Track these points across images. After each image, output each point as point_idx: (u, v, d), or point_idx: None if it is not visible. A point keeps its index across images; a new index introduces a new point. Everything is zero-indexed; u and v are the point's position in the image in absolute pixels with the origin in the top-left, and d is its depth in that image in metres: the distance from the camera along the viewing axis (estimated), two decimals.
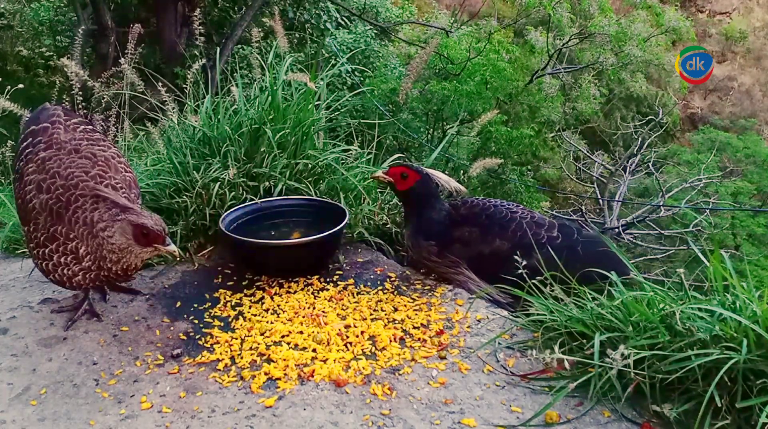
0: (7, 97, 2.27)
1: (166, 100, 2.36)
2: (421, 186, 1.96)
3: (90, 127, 1.78)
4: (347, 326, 1.69)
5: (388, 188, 2.45)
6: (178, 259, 1.61)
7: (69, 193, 1.55)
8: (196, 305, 1.83)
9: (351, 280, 1.97)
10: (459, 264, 1.89)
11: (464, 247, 1.90)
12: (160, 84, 2.41)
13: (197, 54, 2.83)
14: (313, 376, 1.49)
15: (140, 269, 1.65)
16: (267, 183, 2.22)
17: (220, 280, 1.99)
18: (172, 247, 1.53)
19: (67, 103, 2.68)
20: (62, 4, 9.60)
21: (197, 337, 1.67)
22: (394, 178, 1.98)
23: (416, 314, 1.76)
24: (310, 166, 2.35)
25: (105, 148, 1.70)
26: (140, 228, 1.49)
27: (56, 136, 1.68)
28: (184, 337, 1.67)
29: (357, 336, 1.64)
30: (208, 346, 1.63)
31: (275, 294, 1.88)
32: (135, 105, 2.78)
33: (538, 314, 1.61)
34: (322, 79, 2.58)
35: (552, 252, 1.71)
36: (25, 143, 1.71)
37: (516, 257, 1.66)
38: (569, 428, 1.33)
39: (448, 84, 7.27)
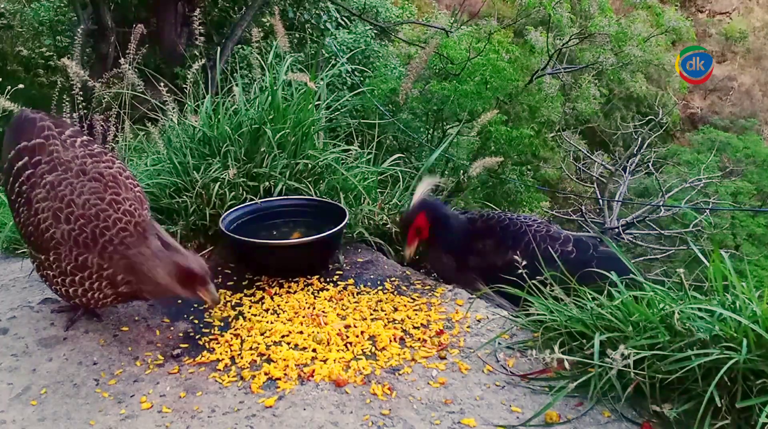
0: (8, 97, 2.26)
1: (166, 100, 2.36)
2: (432, 214, 1.91)
3: (85, 138, 1.73)
4: (347, 326, 1.69)
5: (389, 189, 2.46)
6: (219, 303, 1.65)
7: (92, 225, 1.54)
8: (196, 305, 1.83)
9: (351, 280, 1.97)
10: (475, 280, 1.89)
11: (479, 258, 1.90)
12: (160, 84, 2.40)
13: (197, 54, 2.82)
14: (313, 376, 1.49)
15: None
16: (267, 183, 2.22)
17: (220, 280, 1.99)
18: (216, 296, 1.55)
19: (67, 103, 2.69)
20: (62, 4, 9.59)
21: (197, 337, 1.67)
22: (419, 237, 1.92)
23: (416, 314, 1.76)
24: (310, 166, 2.35)
25: (110, 164, 1.67)
26: (185, 271, 1.52)
27: (57, 155, 1.63)
28: (184, 337, 1.67)
29: (357, 336, 1.64)
30: (208, 346, 1.63)
31: (275, 294, 1.88)
32: (135, 105, 2.78)
33: (538, 314, 1.61)
34: (322, 79, 2.58)
35: (564, 266, 1.66)
36: (20, 162, 1.64)
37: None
38: (569, 428, 1.33)
39: (448, 84, 7.27)
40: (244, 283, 1.96)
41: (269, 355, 1.57)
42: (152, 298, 1.65)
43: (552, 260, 1.73)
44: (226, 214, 2.08)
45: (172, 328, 1.72)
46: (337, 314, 1.75)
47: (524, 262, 1.64)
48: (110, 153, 1.75)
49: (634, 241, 9.47)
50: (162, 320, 1.75)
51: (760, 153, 10.60)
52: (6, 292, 1.92)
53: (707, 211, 9.24)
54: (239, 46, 7.76)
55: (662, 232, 9.45)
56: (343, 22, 9.25)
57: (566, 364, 1.41)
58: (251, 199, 2.18)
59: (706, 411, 1.22)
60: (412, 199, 1.94)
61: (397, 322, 1.73)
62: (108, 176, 1.63)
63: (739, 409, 1.24)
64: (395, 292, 1.90)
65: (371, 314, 1.76)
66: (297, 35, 8.26)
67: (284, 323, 1.71)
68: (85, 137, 1.74)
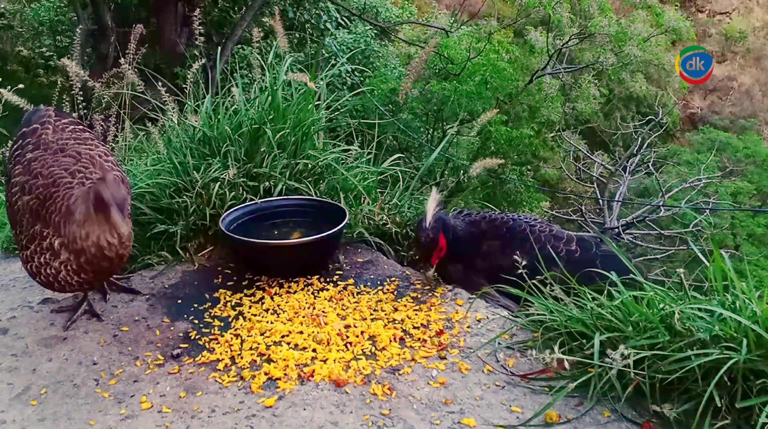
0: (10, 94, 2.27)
1: (166, 100, 2.36)
2: (447, 231, 1.87)
3: (80, 126, 1.75)
4: (347, 326, 1.69)
5: (389, 189, 2.46)
6: (122, 235, 1.48)
7: (46, 192, 1.53)
8: (196, 305, 1.83)
9: (351, 280, 1.97)
10: (482, 283, 1.88)
11: (485, 260, 1.89)
12: (160, 84, 2.40)
13: (197, 54, 2.83)
14: (313, 376, 1.49)
15: (127, 260, 1.59)
16: (267, 183, 2.22)
17: (220, 280, 1.99)
18: (121, 227, 1.43)
19: (67, 103, 2.69)
20: (62, 4, 9.58)
21: (197, 337, 1.67)
22: (440, 254, 1.86)
23: (416, 314, 1.76)
24: (310, 166, 2.35)
25: (92, 147, 1.67)
26: (96, 196, 1.43)
27: (44, 137, 1.66)
28: (184, 337, 1.67)
29: (357, 336, 1.64)
30: (208, 346, 1.63)
31: (275, 294, 1.88)
32: (135, 105, 2.78)
33: (538, 314, 1.61)
34: (322, 79, 2.58)
35: (569, 265, 1.68)
36: (15, 146, 1.70)
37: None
38: (569, 428, 1.33)
39: (448, 84, 7.27)
40: (244, 283, 1.96)
41: (269, 355, 1.57)
42: (94, 267, 1.52)
43: (558, 259, 1.74)
44: (226, 214, 2.08)
45: (172, 328, 1.72)
46: (337, 314, 1.75)
47: (532, 262, 1.65)
48: (98, 141, 1.75)
49: (634, 241, 9.46)
50: (162, 320, 1.75)
51: (760, 153, 10.60)
52: (6, 292, 1.92)
53: (707, 211, 9.24)
54: (239, 46, 7.76)
55: (662, 232, 9.44)
56: (343, 22, 9.25)
57: (566, 364, 1.41)
58: (251, 199, 2.18)
59: (706, 411, 1.22)
60: (426, 218, 1.86)
61: (397, 322, 1.73)
62: (85, 155, 1.63)
63: (739, 409, 1.24)
64: (395, 292, 1.90)
65: (371, 314, 1.76)
66: (297, 35, 8.25)
67: (284, 323, 1.71)
68: (80, 126, 1.76)
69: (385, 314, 1.76)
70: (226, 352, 1.60)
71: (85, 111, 2.66)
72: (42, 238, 1.52)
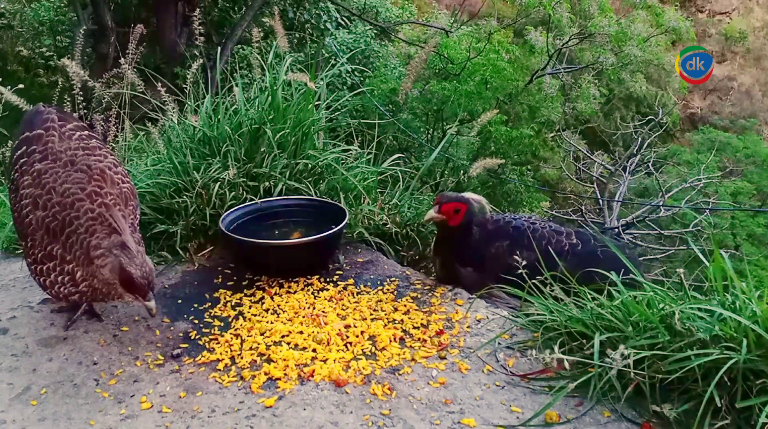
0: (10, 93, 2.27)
1: (166, 100, 2.36)
2: (469, 215, 1.89)
3: (86, 132, 1.73)
4: (347, 326, 1.69)
5: (389, 189, 2.46)
6: (154, 315, 1.57)
7: (65, 213, 1.52)
8: (196, 305, 1.83)
9: (351, 280, 1.97)
10: (489, 286, 1.88)
11: (495, 261, 1.88)
12: (159, 84, 2.40)
13: (197, 54, 2.83)
14: (313, 376, 1.49)
15: None
16: (267, 183, 2.22)
17: (220, 280, 1.99)
18: (152, 304, 1.52)
19: (68, 103, 2.69)
20: (62, 4, 9.59)
21: (197, 337, 1.67)
22: (447, 214, 1.86)
23: (416, 314, 1.76)
24: (310, 166, 2.35)
25: (101, 158, 1.66)
26: (126, 275, 1.47)
27: (51, 146, 1.64)
28: (184, 337, 1.67)
29: (357, 336, 1.64)
30: (208, 346, 1.63)
31: (275, 294, 1.88)
32: (135, 105, 2.78)
33: (538, 314, 1.61)
34: (322, 79, 2.59)
35: (574, 259, 1.74)
36: (19, 151, 1.66)
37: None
38: (569, 428, 1.33)
39: (448, 84, 7.27)
40: (244, 283, 1.96)
41: (269, 355, 1.57)
42: (109, 300, 1.60)
43: (563, 253, 1.77)
44: (226, 214, 2.08)
45: (172, 328, 1.72)
46: (337, 314, 1.75)
47: (540, 258, 1.69)
48: (106, 148, 1.74)
49: (634, 241, 9.46)
50: (162, 320, 1.75)
51: (760, 153, 10.59)
52: (6, 292, 1.92)
53: (707, 211, 9.24)
54: (239, 46, 7.76)
55: (662, 232, 9.44)
56: (343, 22, 9.25)
57: (566, 364, 1.41)
58: (251, 199, 2.18)
59: (706, 411, 1.22)
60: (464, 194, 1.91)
61: (397, 322, 1.73)
62: (95, 169, 1.62)
63: (739, 409, 1.24)
64: (395, 292, 1.90)
65: (371, 314, 1.76)
66: (297, 35, 8.25)
67: (284, 323, 1.71)
68: (85, 132, 1.74)
69: (385, 314, 1.77)
70: (226, 352, 1.60)
71: (85, 111, 2.66)
72: (63, 260, 1.52)
